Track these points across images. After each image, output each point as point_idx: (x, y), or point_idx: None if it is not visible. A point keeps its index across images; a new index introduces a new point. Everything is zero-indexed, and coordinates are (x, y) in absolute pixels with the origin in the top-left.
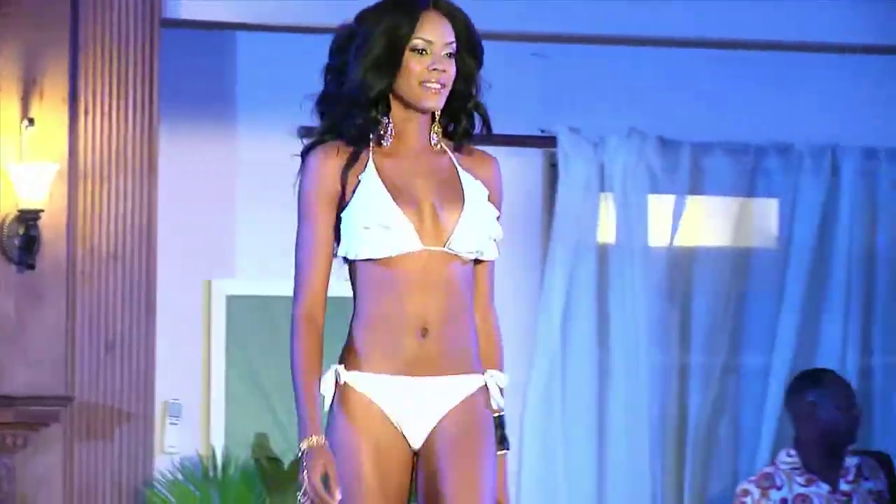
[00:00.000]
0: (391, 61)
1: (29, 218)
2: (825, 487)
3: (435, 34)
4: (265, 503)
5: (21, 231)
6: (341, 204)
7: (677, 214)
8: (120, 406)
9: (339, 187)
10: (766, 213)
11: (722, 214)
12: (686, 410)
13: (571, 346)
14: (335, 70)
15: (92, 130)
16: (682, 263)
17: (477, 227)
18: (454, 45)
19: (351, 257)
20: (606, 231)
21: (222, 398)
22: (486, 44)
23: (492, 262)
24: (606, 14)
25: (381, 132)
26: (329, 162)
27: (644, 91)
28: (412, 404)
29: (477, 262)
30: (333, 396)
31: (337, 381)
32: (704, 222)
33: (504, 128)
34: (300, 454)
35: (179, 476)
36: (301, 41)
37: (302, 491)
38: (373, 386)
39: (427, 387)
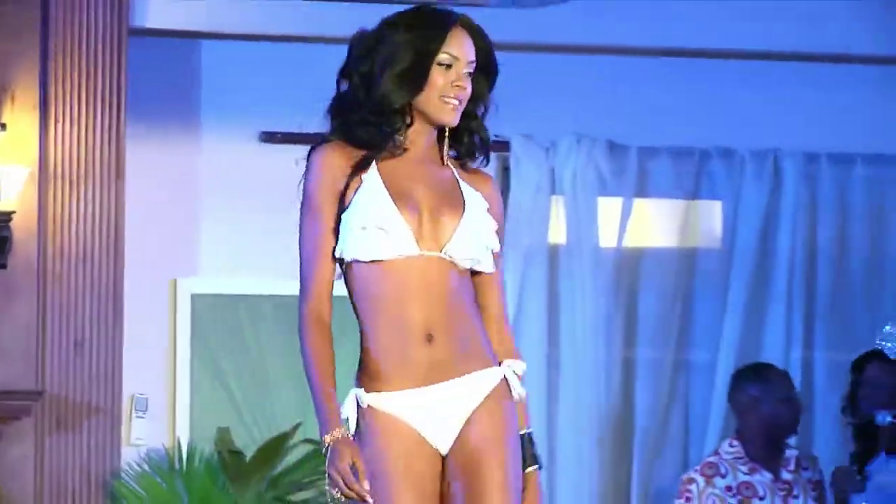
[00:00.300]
0: (419, 75)
1: (1, 219)
2: (768, 476)
3: (461, 51)
4: (228, 494)
5: None
6: (342, 203)
7: (625, 216)
8: (89, 400)
9: (342, 186)
10: (711, 215)
11: (668, 216)
12: (634, 405)
13: (523, 343)
14: (359, 75)
15: (62, 135)
16: (630, 263)
17: (475, 236)
18: (474, 64)
19: (347, 258)
20: (557, 232)
21: (187, 393)
22: None
23: (499, 279)
24: (557, 24)
25: (397, 142)
26: (335, 159)
27: (593, 98)
28: (436, 413)
29: (478, 275)
30: (358, 421)
31: (359, 405)
32: (651, 224)
33: None
34: (324, 450)
35: (146, 468)
36: (263, 49)
37: (331, 484)
38: (395, 404)
39: (447, 392)
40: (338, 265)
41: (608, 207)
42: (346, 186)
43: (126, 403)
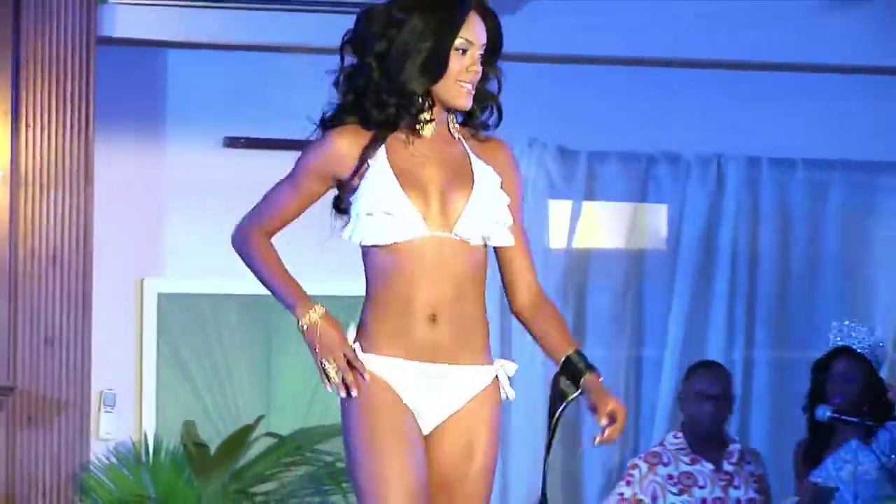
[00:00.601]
0: (441, 64)
1: None
2: (709, 467)
3: (476, 35)
4: (193, 486)
5: None
6: (349, 187)
7: (575, 219)
8: (59, 396)
9: (348, 172)
10: (657, 217)
11: (616, 218)
12: (583, 399)
13: None
14: (374, 54)
15: (33, 141)
16: (580, 264)
17: (484, 213)
18: (486, 46)
19: (358, 242)
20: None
21: (153, 388)
22: None
23: (523, 247)
24: (508, 32)
25: (415, 125)
26: (345, 147)
27: (544, 104)
28: (426, 390)
29: (500, 249)
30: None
31: None
32: (600, 226)
33: None
34: (303, 331)
35: (114, 460)
36: (226, 58)
37: (324, 365)
38: (387, 369)
39: (440, 374)
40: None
41: (558, 210)
42: (354, 173)
43: (95, 398)
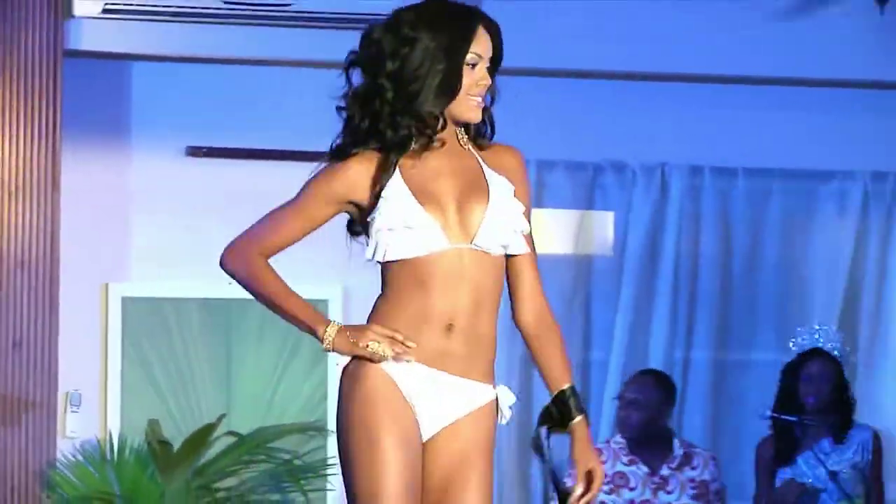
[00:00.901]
0: (455, 84)
1: None
2: (644, 469)
3: (484, 50)
4: (157, 482)
5: None
6: (364, 208)
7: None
8: (26, 396)
9: (362, 198)
10: (603, 225)
11: (564, 225)
12: (533, 401)
13: None
14: (386, 74)
15: (2, 151)
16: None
17: (502, 223)
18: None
19: (381, 259)
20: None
21: (118, 388)
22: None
23: (531, 257)
24: None
25: (433, 143)
26: (359, 169)
27: (495, 115)
28: (431, 396)
29: (511, 257)
30: (350, 365)
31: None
32: (548, 232)
33: None
34: (330, 352)
35: (80, 458)
36: (189, 70)
37: (372, 349)
38: (397, 369)
39: (446, 383)
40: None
41: None
42: (368, 196)
43: (61, 399)
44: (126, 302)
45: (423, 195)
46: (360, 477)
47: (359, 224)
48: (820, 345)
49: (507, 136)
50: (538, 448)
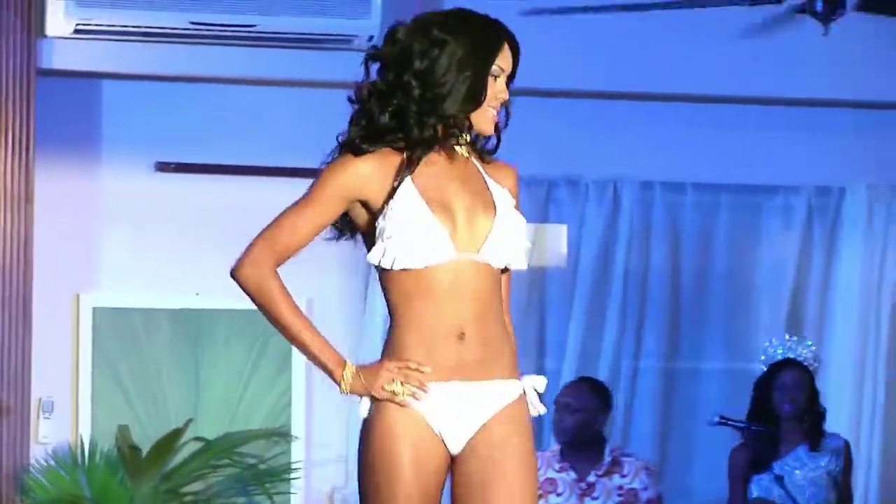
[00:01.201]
0: (480, 93)
1: None
2: (572, 475)
3: (507, 64)
4: (126, 486)
5: None
6: (373, 211)
7: None
8: (0, 403)
9: (372, 196)
10: (557, 238)
11: None
12: None
13: None
14: (412, 72)
15: None
16: None
17: (509, 237)
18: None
19: (389, 266)
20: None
21: (89, 395)
22: (309, 92)
23: (510, 273)
24: None
25: (457, 145)
26: (374, 165)
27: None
28: (453, 410)
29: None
30: (371, 402)
31: None
32: None
33: None
34: (344, 391)
35: (52, 463)
36: (157, 88)
37: (390, 389)
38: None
39: (468, 392)
40: (373, 268)
41: None
42: (377, 197)
43: (34, 405)
44: (97, 312)
45: (434, 203)
46: (384, 501)
47: (361, 224)
48: (792, 355)
49: None
50: None
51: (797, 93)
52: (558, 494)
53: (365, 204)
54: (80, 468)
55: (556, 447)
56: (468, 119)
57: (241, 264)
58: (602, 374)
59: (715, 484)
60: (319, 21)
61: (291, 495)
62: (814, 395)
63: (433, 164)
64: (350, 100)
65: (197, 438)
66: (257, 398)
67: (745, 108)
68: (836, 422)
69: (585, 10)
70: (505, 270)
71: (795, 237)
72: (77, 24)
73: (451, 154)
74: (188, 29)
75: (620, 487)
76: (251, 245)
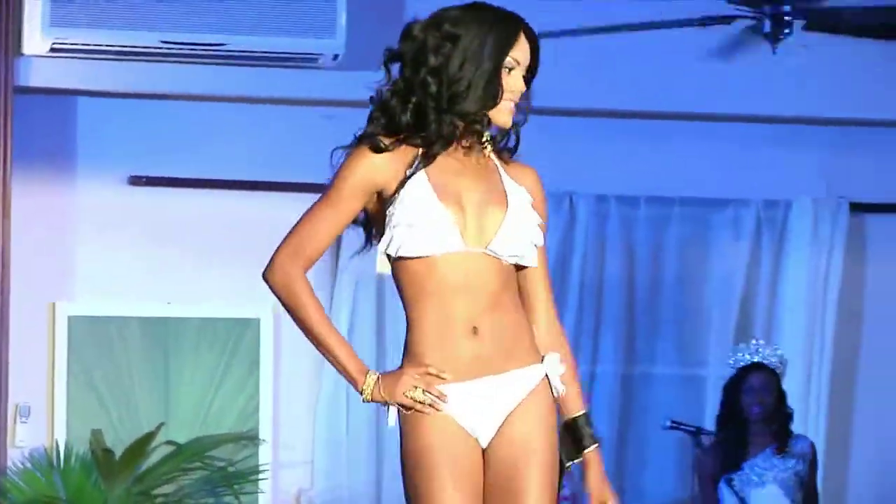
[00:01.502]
0: (495, 88)
1: None
2: None
3: (524, 56)
4: (100, 489)
5: None
6: (385, 199)
7: None
8: None
9: (385, 183)
10: None
11: None
12: None
13: None
14: (428, 68)
15: None
16: None
17: (519, 232)
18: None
19: (394, 254)
20: (383, 264)
21: (64, 400)
22: (276, 109)
23: (545, 271)
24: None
25: (479, 141)
26: (382, 161)
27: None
28: (479, 407)
29: (524, 267)
30: (400, 411)
31: None
32: None
33: (300, 177)
34: (366, 398)
35: (29, 466)
36: (130, 105)
37: (411, 396)
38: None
39: (491, 386)
40: (385, 259)
41: None
42: (391, 183)
43: (11, 410)
44: (72, 320)
45: (445, 194)
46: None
47: (373, 213)
48: (759, 359)
49: None
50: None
51: (747, 109)
52: None
53: (379, 194)
54: (55, 471)
55: None
56: (486, 116)
57: (269, 269)
58: None
59: (668, 486)
60: (286, 40)
61: (259, 496)
62: (781, 397)
63: (448, 158)
64: (371, 99)
65: (168, 442)
66: (226, 403)
67: (697, 125)
68: None
69: (540, 35)
70: (524, 269)
71: (744, 248)
72: (53, 43)
73: (468, 149)
74: (160, 48)
75: None
76: (277, 249)
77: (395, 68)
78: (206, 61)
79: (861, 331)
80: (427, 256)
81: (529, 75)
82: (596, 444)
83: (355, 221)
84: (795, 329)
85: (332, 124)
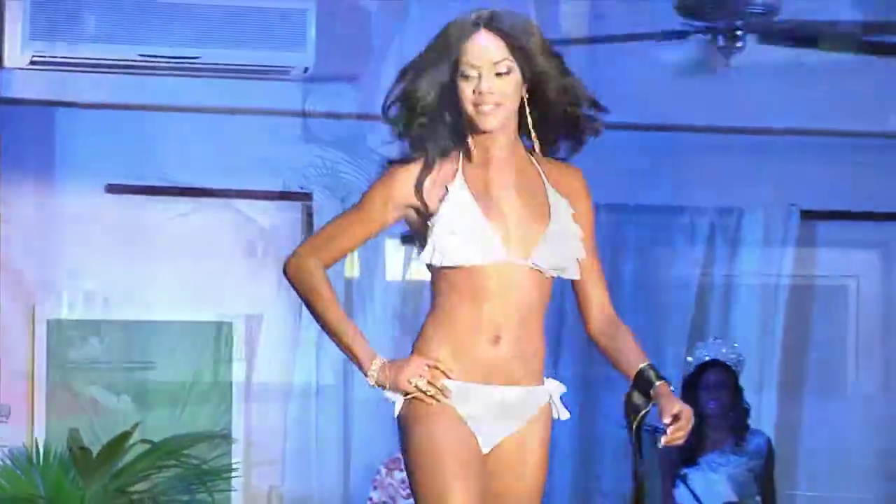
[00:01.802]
0: (451, 97)
1: None
2: None
3: (480, 57)
4: (78, 486)
5: None
6: (424, 213)
7: (408, 254)
8: None
9: (424, 198)
10: None
11: None
12: None
13: (324, 360)
14: (406, 94)
15: None
16: (413, 294)
17: (560, 246)
18: (507, 61)
19: (437, 264)
20: (352, 267)
21: (44, 400)
22: (249, 119)
23: (598, 273)
24: (364, 95)
25: (468, 151)
26: (411, 178)
27: (381, 156)
28: (486, 412)
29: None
30: (405, 400)
31: None
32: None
33: (272, 185)
34: (371, 383)
35: (9, 463)
36: (108, 116)
37: (414, 385)
38: (451, 392)
39: (500, 395)
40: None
41: (394, 246)
42: (427, 199)
43: None
44: (51, 323)
45: (486, 204)
46: (427, 500)
47: (414, 227)
48: (717, 356)
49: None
50: (631, 436)
51: (702, 120)
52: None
53: (416, 210)
54: (34, 468)
55: None
56: (469, 133)
57: (288, 259)
58: None
59: (629, 485)
60: (258, 53)
61: (232, 493)
62: (738, 393)
63: (489, 168)
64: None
65: (144, 441)
66: (200, 403)
67: (654, 135)
68: None
69: None
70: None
71: (699, 253)
72: (33, 56)
73: (509, 158)
74: (137, 61)
75: None
76: (298, 248)
77: None
78: (182, 73)
79: (810, 330)
80: (470, 266)
81: (549, 64)
82: (662, 380)
83: (404, 239)
84: (747, 330)
85: (304, 135)
